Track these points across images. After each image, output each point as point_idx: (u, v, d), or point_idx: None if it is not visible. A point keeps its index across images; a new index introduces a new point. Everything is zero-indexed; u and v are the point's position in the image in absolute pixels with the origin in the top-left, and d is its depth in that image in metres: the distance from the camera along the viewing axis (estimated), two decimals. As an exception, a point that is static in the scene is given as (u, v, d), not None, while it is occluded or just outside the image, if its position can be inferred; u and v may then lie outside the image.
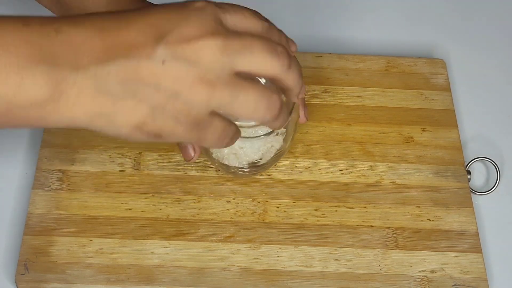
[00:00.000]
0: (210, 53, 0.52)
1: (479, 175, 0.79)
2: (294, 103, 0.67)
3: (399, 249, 0.71)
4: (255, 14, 0.57)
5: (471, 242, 0.72)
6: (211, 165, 0.74)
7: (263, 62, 0.54)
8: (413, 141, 0.78)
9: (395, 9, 0.92)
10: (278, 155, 0.72)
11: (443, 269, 0.70)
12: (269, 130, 0.67)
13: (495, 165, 0.77)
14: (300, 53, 0.83)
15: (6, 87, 0.50)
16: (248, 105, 0.54)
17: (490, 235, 0.74)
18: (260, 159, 0.71)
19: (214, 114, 0.54)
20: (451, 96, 0.81)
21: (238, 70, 0.53)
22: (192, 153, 0.67)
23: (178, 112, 0.53)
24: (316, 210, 0.73)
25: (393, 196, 0.74)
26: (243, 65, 0.53)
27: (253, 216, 0.72)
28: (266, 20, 0.58)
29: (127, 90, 0.52)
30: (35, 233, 0.69)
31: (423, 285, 0.69)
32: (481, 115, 0.83)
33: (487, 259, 0.72)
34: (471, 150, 0.80)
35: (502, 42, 0.89)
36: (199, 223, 0.71)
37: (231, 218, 0.72)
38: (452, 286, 0.69)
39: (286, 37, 0.61)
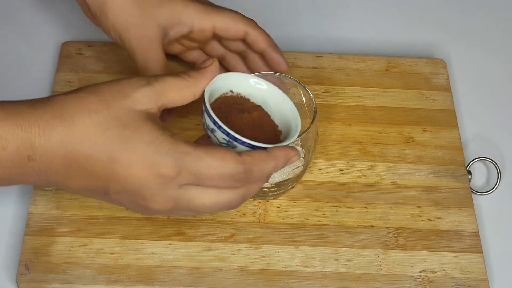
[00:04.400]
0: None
1: (479, 175, 0.79)
2: (314, 118, 0.67)
3: (400, 249, 0.71)
4: (225, 174, 0.58)
5: (472, 242, 0.72)
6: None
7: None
8: (414, 141, 0.78)
9: (395, 9, 0.92)
10: (303, 171, 0.71)
11: (443, 269, 0.70)
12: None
13: (495, 165, 0.77)
14: (300, 53, 0.83)
15: None
16: (210, 209, 0.60)
17: (491, 235, 0.74)
18: (288, 178, 0.71)
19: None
20: (452, 96, 0.81)
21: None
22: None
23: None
24: (316, 210, 0.73)
25: (393, 196, 0.74)
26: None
27: (254, 216, 0.72)
28: (243, 175, 0.59)
29: (85, 195, 0.62)
30: (36, 233, 0.69)
31: (424, 285, 0.69)
32: (482, 115, 0.83)
33: (488, 259, 0.72)
34: (471, 150, 0.80)
35: (502, 42, 0.89)
36: (200, 224, 0.71)
37: (231, 218, 0.72)
38: (453, 286, 0.69)
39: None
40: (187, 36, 0.72)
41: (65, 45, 0.82)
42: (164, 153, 0.56)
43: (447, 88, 0.82)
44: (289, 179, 0.70)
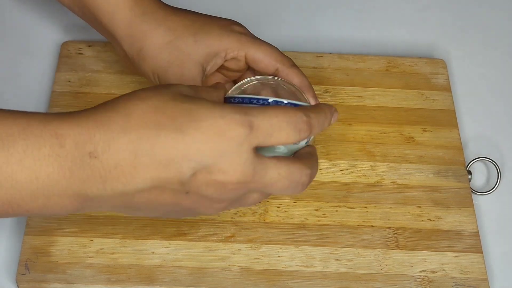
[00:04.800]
0: (233, 194, 0.55)
1: (479, 175, 0.79)
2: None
3: (400, 249, 0.71)
4: (292, 122, 0.56)
5: (472, 242, 0.72)
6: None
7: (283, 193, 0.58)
8: (414, 141, 0.78)
9: (395, 9, 0.92)
10: None
11: (443, 269, 0.70)
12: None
13: (495, 165, 0.77)
14: (300, 53, 0.83)
15: (33, 204, 0.53)
16: (283, 184, 0.57)
17: (491, 235, 0.74)
18: None
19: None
20: (452, 96, 0.81)
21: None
22: None
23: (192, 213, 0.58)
24: (316, 210, 0.73)
25: (393, 196, 0.74)
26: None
27: (254, 216, 0.72)
28: (304, 131, 0.57)
29: (149, 208, 0.56)
30: (36, 233, 0.69)
31: (424, 285, 0.69)
32: (482, 115, 0.83)
33: (488, 259, 0.72)
34: (471, 150, 0.80)
35: (502, 42, 0.89)
36: (200, 223, 0.71)
37: (231, 218, 0.72)
38: (453, 286, 0.69)
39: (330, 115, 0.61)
40: (223, 67, 0.71)
41: (65, 45, 0.82)
42: (229, 112, 0.54)
43: (447, 88, 0.82)
44: None
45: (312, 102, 0.69)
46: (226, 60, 0.70)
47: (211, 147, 0.53)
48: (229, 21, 0.71)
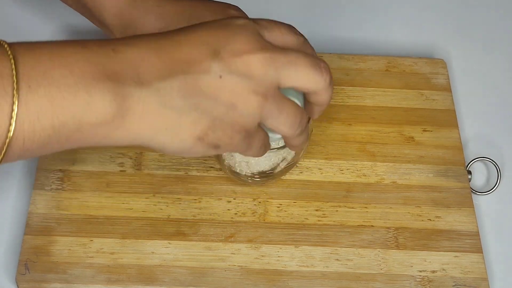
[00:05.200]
0: (260, 66, 0.55)
1: (479, 175, 0.79)
2: (309, 118, 0.67)
3: (400, 249, 0.71)
4: (291, 29, 0.60)
5: (472, 242, 0.72)
6: (212, 165, 0.74)
7: (306, 78, 0.57)
8: (414, 141, 0.78)
9: (395, 9, 0.92)
10: (289, 167, 0.71)
11: (443, 269, 0.70)
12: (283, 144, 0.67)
13: (495, 165, 0.77)
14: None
15: (76, 105, 0.51)
16: (288, 120, 0.57)
17: (491, 235, 0.74)
18: (271, 169, 0.71)
19: (259, 125, 0.58)
20: (452, 96, 0.81)
21: (282, 85, 0.56)
22: None
23: (235, 122, 0.56)
24: (316, 210, 0.73)
25: (393, 196, 0.74)
26: (287, 79, 0.56)
27: (254, 216, 0.72)
28: (301, 35, 0.60)
29: (189, 104, 0.54)
30: (36, 233, 0.69)
31: (424, 285, 0.69)
32: (482, 115, 0.83)
33: (488, 259, 0.72)
34: (471, 150, 0.80)
35: (502, 42, 0.89)
36: (200, 223, 0.71)
37: (231, 218, 0.72)
38: (453, 286, 0.69)
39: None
40: None
41: (65, 44, 0.82)
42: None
43: (447, 88, 0.82)
44: (273, 170, 0.71)
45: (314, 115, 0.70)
46: None
47: (222, 31, 0.55)
48: (223, 5, 0.70)
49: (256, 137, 0.58)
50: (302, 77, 0.57)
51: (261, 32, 0.57)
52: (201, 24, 0.57)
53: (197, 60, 0.54)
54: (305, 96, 0.61)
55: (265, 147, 0.61)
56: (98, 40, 0.54)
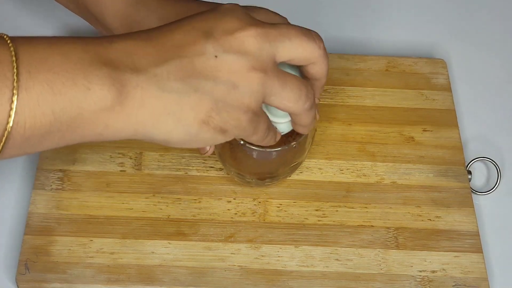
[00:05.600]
0: (254, 41, 0.55)
1: (479, 175, 0.79)
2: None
3: (400, 249, 0.71)
4: (273, 12, 0.63)
5: (472, 242, 0.72)
6: (212, 165, 0.74)
7: (301, 47, 0.57)
8: (414, 141, 0.78)
9: (395, 9, 0.92)
10: (294, 167, 0.71)
11: (443, 269, 0.70)
12: (287, 146, 0.67)
13: (495, 165, 0.77)
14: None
15: (75, 91, 0.51)
16: (293, 94, 0.57)
17: (491, 235, 0.74)
18: (276, 170, 0.71)
19: (261, 108, 0.58)
20: (452, 96, 0.81)
21: (278, 58, 0.56)
22: (208, 147, 0.67)
23: (239, 102, 0.55)
24: (316, 210, 0.73)
25: (393, 196, 0.74)
26: (284, 52, 0.57)
27: (254, 216, 0.72)
28: (284, 17, 0.64)
29: (188, 86, 0.54)
30: (36, 233, 0.69)
31: (424, 285, 0.69)
32: (482, 115, 0.83)
33: (488, 259, 0.72)
34: (471, 150, 0.80)
35: (502, 41, 0.89)
36: (200, 223, 0.71)
37: (231, 218, 0.72)
38: (453, 286, 0.69)
39: None
40: None
41: (65, 45, 0.82)
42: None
43: (447, 88, 0.82)
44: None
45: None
46: None
47: (211, 15, 0.56)
48: (227, 6, 0.70)
49: (262, 118, 0.58)
50: (297, 46, 0.57)
51: (249, 13, 0.57)
52: (191, 15, 0.57)
53: (190, 43, 0.54)
54: (304, 73, 0.61)
55: (271, 133, 0.61)
56: (92, 37, 0.54)
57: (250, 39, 0.55)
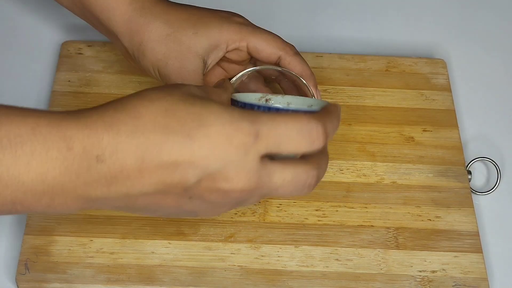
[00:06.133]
0: (238, 199, 0.55)
1: (479, 175, 0.79)
2: None
3: (400, 249, 0.71)
4: (304, 131, 0.55)
5: (472, 242, 0.72)
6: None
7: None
8: (414, 141, 0.78)
9: (395, 9, 0.92)
10: None
11: (443, 269, 0.70)
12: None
13: (495, 165, 0.77)
14: (300, 53, 0.83)
15: (37, 204, 0.53)
16: (288, 189, 0.56)
17: (491, 235, 0.74)
18: None
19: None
20: (452, 96, 0.81)
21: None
22: None
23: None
24: (316, 210, 0.73)
25: (393, 196, 0.74)
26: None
27: (254, 216, 0.72)
28: (321, 137, 0.56)
29: (150, 210, 0.56)
30: (36, 232, 0.69)
31: (424, 285, 0.69)
32: (482, 115, 0.83)
33: (488, 259, 0.72)
34: (471, 150, 0.80)
35: (502, 42, 0.89)
36: (200, 223, 0.71)
37: (231, 218, 0.72)
38: (453, 286, 0.69)
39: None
40: (225, 58, 0.71)
41: (64, 44, 0.82)
42: (238, 119, 0.53)
43: (447, 88, 0.82)
44: None
45: (314, 91, 0.70)
46: (227, 52, 0.70)
47: (218, 155, 0.52)
48: (228, 13, 0.71)
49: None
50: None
51: (266, 151, 0.54)
52: (204, 133, 0.53)
53: (175, 182, 0.53)
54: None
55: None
56: (87, 137, 0.52)
57: (231, 198, 0.55)
